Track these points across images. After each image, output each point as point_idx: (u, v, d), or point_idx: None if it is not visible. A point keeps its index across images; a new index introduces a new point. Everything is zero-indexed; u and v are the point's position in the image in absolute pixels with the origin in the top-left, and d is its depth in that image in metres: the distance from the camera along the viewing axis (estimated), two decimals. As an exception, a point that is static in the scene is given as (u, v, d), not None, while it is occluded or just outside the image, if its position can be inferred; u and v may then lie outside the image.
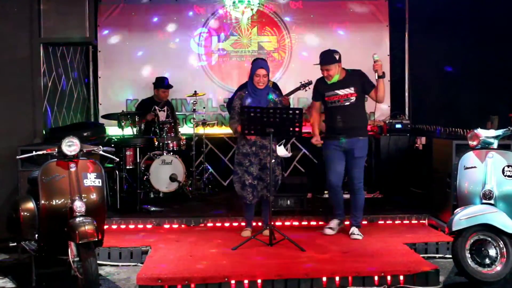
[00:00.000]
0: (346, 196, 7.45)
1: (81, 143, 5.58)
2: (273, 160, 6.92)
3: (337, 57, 7.10)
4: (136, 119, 9.11)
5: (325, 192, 8.74)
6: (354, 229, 7.11)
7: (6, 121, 7.70)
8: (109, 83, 10.79)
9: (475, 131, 6.11)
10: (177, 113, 10.39)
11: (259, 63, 7.37)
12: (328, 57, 7.10)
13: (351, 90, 7.07)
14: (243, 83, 8.89)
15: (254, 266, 5.98)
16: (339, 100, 7.11)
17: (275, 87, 9.03)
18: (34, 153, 5.73)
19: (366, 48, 10.82)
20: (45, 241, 5.50)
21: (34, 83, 7.87)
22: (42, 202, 5.39)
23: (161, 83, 9.90)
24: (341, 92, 7.08)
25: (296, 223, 7.83)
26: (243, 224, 7.57)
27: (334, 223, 7.33)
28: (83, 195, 5.44)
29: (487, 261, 5.76)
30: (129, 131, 9.12)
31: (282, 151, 7.22)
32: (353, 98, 7.07)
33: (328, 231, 7.27)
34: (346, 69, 7.21)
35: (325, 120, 7.30)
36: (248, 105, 7.04)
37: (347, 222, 7.33)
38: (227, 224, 7.82)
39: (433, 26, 10.02)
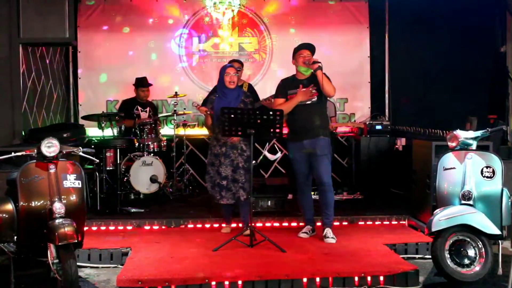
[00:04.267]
0: (315, 197, 7.48)
1: (61, 144, 5.54)
2: (243, 162, 6.99)
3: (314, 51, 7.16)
4: (117, 119, 9.09)
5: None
6: (327, 231, 7.04)
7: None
8: (89, 84, 10.76)
9: (454, 132, 6.15)
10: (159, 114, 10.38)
11: (227, 64, 7.52)
12: (313, 46, 7.14)
13: (313, 89, 7.03)
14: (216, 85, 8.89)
15: (235, 267, 5.96)
16: None
17: (251, 89, 9.06)
18: (13, 154, 5.68)
19: (347, 50, 10.93)
20: (24, 243, 5.45)
21: (13, 83, 7.82)
22: (21, 203, 5.34)
23: (140, 83, 9.87)
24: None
25: (276, 224, 7.83)
26: (223, 225, 7.60)
27: (307, 229, 7.34)
28: (62, 197, 5.40)
29: (466, 261, 5.81)
30: (109, 132, 9.07)
31: (269, 154, 7.22)
32: (314, 98, 7.05)
33: (302, 235, 7.28)
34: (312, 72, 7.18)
35: (288, 122, 7.27)
36: (217, 108, 7.10)
37: (318, 224, 7.31)
38: (207, 225, 7.80)
39: (413, 28, 10.10)
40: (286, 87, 7.21)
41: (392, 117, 10.67)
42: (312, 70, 6.98)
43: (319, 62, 6.91)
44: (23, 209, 5.35)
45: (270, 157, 7.20)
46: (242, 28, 10.90)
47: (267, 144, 7.10)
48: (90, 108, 10.40)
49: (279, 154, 7.13)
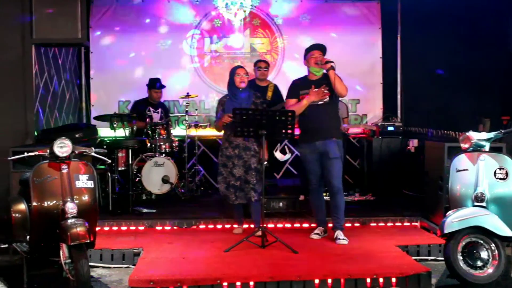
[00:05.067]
0: (327, 198, 7.47)
1: (73, 145, 5.56)
2: (255, 162, 7.00)
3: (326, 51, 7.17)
4: (128, 120, 9.10)
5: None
6: (338, 233, 7.03)
7: (-2, 121, 7.70)
8: (101, 84, 10.78)
9: (467, 133, 6.13)
10: (170, 114, 10.39)
11: (236, 65, 7.54)
12: (324, 46, 7.16)
13: (325, 90, 7.02)
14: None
15: (247, 268, 5.97)
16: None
17: (276, 89, 9.05)
18: (25, 154, 5.71)
19: (359, 51, 10.90)
20: (37, 243, 5.48)
21: (26, 84, 7.85)
22: (34, 203, 5.36)
23: (154, 84, 9.91)
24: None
25: (288, 225, 7.83)
26: (235, 226, 7.60)
27: (319, 230, 7.32)
28: (75, 197, 5.41)
29: (479, 263, 5.77)
30: (121, 132, 9.09)
31: (279, 154, 7.22)
32: (326, 98, 7.03)
33: (314, 237, 7.26)
34: (323, 72, 7.18)
35: (300, 123, 7.26)
36: (228, 109, 7.11)
37: (330, 225, 7.30)
38: (219, 226, 7.80)
39: (425, 29, 10.06)
40: (298, 87, 7.20)
41: (404, 118, 10.63)
42: (325, 70, 6.97)
43: (332, 62, 6.90)
44: (36, 209, 5.37)
45: (280, 157, 7.19)
46: (254, 29, 10.89)
47: (278, 145, 7.12)
48: (102, 108, 10.43)
49: (288, 155, 7.14)
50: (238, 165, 7.17)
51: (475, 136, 6.09)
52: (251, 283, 5.68)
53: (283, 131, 6.80)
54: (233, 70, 7.34)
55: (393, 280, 5.80)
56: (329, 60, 6.92)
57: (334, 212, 7.12)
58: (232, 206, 7.44)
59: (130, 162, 8.63)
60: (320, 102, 7.03)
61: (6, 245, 5.88)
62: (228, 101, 7.29)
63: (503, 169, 5.92)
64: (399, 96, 10.93)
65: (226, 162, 7.24)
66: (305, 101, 7.01)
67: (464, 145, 6.14)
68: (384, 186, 9.35)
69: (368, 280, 5.80)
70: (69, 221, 5.23)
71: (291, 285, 5.72)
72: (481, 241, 5.81)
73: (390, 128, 9.55)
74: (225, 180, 7.25)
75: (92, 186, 5.58)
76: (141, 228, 7.72)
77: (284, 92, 9.22)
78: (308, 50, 7.16)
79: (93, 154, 5.83)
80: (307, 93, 7.05)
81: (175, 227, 7.78)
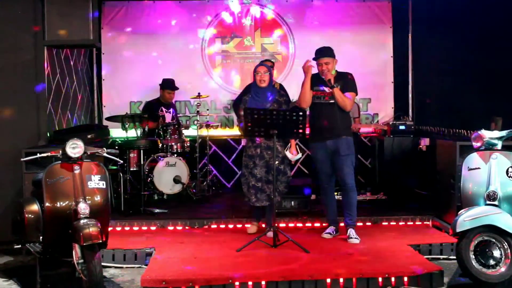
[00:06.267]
0: (339, 197, 7.47)
1: (85, 145, 5.59)
2: (276, 162, 6.96)
3: (334, 53, 7.15)
4: (140, 121, 9.12)
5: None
6: (351, 232, 7.04)
7: (11, 123, 7.72)
8: (112, 85, 10.81)
9: (479, 132, 6.10)
10: (180, 115, 10.41)
11: (259, 63, 7.58)
12: (328, 50, 7.17)
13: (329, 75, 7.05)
14: (248, 84, 8.89)
15: (258, 267, 5.98)
16: (324, 97, 7.09)
17: (282, 89, 9.05)
18: (38, 155, 5.75)
19: (370, 50, 10.88)
20: (50, 243, 5.51)
21: (39, 85, 7.89)
22: (47, 204, 5.40)
23: (167, 85, 9.92)
24: (327, 89, 7.07)
25: (300, 225, 7.83)
26: (247, 225, 7.61)
27: (331, 229, 7.32)
28: (87, 197, 5.44)
29: (492, 262, 5.75)
30: (132, 133, 9.11)
31: (290, 154, 7.22)
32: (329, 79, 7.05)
33: (326, 236, 7.26)
34: (337, 71, 7.20)
35: (310, 122, 7.28)
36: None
37: (342, 224, 7.29)
38: (231, 226, 7.82)
39: (436, 27, 10.01)
40: (312, 83, 7.19)
41: (415, 117, 10.61)
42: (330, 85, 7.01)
43: (334, 84, 6.95)
44: (49, 209, 5.40)
45: (291, 157, 7.20)
46: (264, 29, 10.89)
47: (289, 144, 7.16)
48: (114, 109, 10.47)
49: (300, 155, 7.18)
50: (259, 165, 7.18)
51: (487, 134, 6.07)
52: (263, 282, 5.69)
53: (294, 130, 6.80)
54: (254, 68, 7.37)
55: (405, 279, 5.80)
56: (330, 81, 6.96)
57: (346, 209, 7.13)
58: (245, 205, 7.43)
59: (142, 163, 8.66)
60: (332, 101, 7.04)
61: (19, 246, 5.89)
62: (250, 100, 7.29)
63: (515, 167, 5.91)
64: (410, 95, 10.90)
65: (248, 162, 7.25)
66: (305, 80, 7.11)
67: (476, 144, 6.11)
68: (396, 185, 9.33)
69: (380, 279, 5.79)
70: (82, 221, 5.26)
71: (303, 285, 5.73)
72: (494, 240, 5.78)
73: (402, 127, 9.52)
74: (246, 181, 7.27)
75: (104, 186, 5.61)
76: (153, 228, 7.75)
77: (294, 91, 9.25)
78: (315, 59, 7.19)
79: (105, 154, 5.86)
80: (319, 90, 7.08)
81: (186, 227, 7.81)
